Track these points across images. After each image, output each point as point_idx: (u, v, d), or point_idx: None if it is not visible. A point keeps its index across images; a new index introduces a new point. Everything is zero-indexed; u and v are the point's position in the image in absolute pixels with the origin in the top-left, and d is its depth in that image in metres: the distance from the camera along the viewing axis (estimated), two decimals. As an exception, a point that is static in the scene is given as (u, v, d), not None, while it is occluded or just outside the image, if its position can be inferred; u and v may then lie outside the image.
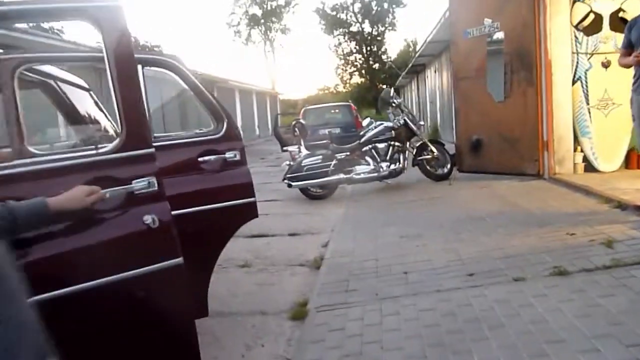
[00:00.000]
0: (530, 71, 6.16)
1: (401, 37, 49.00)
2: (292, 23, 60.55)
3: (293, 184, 7.18)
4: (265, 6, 41.68)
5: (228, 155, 2.25)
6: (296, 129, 7.80)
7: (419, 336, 2.60)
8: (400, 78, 27.40)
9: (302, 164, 7.24)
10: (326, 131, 12.06)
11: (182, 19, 63.66)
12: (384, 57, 41.25)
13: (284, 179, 7.30)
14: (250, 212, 2.47)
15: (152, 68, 2.29)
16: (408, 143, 7.61)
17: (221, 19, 72.71)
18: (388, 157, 7.38)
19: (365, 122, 8.29)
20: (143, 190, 1.59)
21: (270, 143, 16.38)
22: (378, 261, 4.00)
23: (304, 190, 7.34)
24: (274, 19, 42.21)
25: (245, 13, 42.40)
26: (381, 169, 7.31)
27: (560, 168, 6.21)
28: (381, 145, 7.39)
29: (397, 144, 7.41)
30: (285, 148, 8.90)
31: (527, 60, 6.17)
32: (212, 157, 2.22)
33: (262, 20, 42.38)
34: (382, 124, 7.68)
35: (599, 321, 2.45)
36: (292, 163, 7.59)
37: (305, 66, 70.21)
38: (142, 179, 1.59)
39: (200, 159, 2.21)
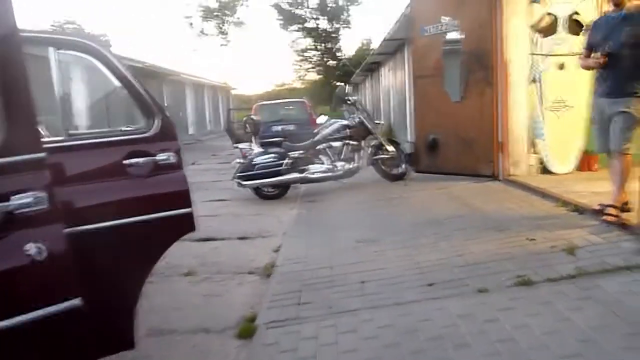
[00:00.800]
0: (487, 71, 6.08)
1: (356, 35, 49.12)
2: (248, 17, 59.51)
3: (244, 183, 6.83)
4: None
5: (160, 157, 1.89)
6: (248, 125, 7.44)
7: (378, 359, 2.35)
8: (354, 76, 27.37)
9: (254, 162, 6.90)
10: (280, 128, 11.76)
11: (134, 9, 61.22)
12: (338, 54, 41.23)
13: (234, 177, 6.94)
14: (185, 225, 2.10)
15: (70, 52, 1.91)
16: (363, 142, 7.41)
17: (174, 10, 70.46)
18: (343, 156, 7.16)
19: (320, 120, 8.02)
20: (26, 210, 1.22)
21: (223, 139, 15.83)
22: (333, 269, 3.74)
23: (255, 190, 7.00)
24: (227, 11, 41.30)
25: (199, 5, 41.28)
26: (336, 168, 7.07)
27: (515, 169, 6.17)
28: (336, 144, 7.15)
29: (352, 142, 7.19)
30: (236, 145, 8.53)
31: (484, 60, 6.09)
32: (140, 160, 1.85)
33: (217, 13, 41.41)
34: (337, 121, 7.44)
35: (568, 339, 2.29)
36: (243, 161, 7.24)
37: (262, 62, 69.25)
38: (25, 195, 1.23)
39: (125, 162, 1.83)
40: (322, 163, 7.15)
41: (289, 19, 40.71)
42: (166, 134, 1.95)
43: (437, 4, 6.61)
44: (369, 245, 4.23)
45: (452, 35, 6.35)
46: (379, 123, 7.84)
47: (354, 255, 4.02)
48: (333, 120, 7.60)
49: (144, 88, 1.93)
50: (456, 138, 6.52)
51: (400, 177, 7.30)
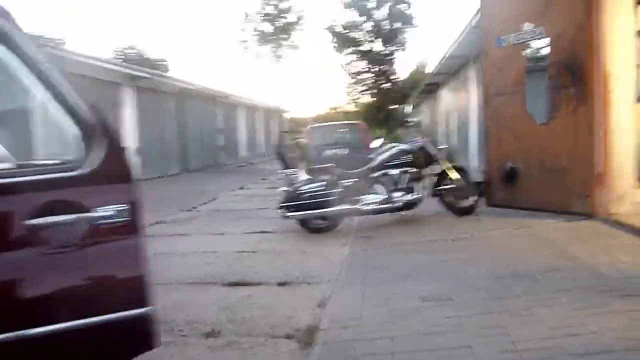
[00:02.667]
0: (582, 86, 5.02)
1: (411, 57, 48.15)
2: (302, 40, 59.97)
3: (289, 214, 6.03)
4: (276, 22, 41.07)
5: (99, 213, 1.08)
6: (297, 150, 6.68)
7: None
8: (410, 98, 26.42)
9: (301, 191, 6.10)
10: (332, 152, 10.96)
11: (191, 35, 63.02)
12: (393, 77, 40.38)
13: (279, 207, 6.16)
14: (138, 339, 1.23)
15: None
16: (425, 169, 6.46)
17: (229, 34, 72.23)
18: (402, 186, 6.22)
19: (376, 144, 7.15)
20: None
21: (275, 163, 15.36)
22: (395, 342, 2.81)
23: (302, 222, 6.19)
24: (283, 35, 41.56)
25: (256, 29, 41.77)
26: (394, 200, 6.15)
27: (617, 207, 5.02)
28: (395, 172, 6.23)
29: (413, 170, 6.26)
30: (284, 170, 7.77)
31: (578, 72, 5.03)
32: (61, 219, 1.03)
33: (272, 37, 41.77)
34: (395, 146, 6.55)
35: None
36: (289, 189, 6.45)
37: (316, 85, 69.36)
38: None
39: (33, 223, 1.01)
40: (379, 193, 6.25)
41: (343, 41, 40.40)
42: (113, 171, 1.14)
43: (518, 10, 5.64)
44: (439, 306, 3.27)
45: (537, 44, 5.34)
46: (443, 148, 6.86)
47: (422, 321, 3.07)
48: (391, 145, 6.71)
49: (76, 90, 1.14)
50: (541, 167, 5.45)
51: (469, 211, 6.28)
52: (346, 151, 10.99)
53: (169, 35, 63.27)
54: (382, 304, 3.47)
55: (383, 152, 6.52)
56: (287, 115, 35.30)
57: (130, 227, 1.16)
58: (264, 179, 14.43)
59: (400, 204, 6.14)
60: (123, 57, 29.32)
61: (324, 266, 4.70)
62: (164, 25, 54.74)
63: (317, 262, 4.85)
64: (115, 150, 1.18)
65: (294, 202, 6.04)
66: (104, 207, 1.12)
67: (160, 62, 32.27)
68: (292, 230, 6.32)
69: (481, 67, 6.52)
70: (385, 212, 6.24)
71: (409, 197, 6.17)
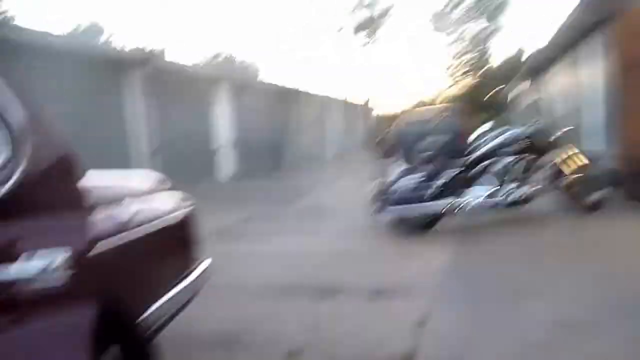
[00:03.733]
0: None
1: (514, 37, 44.44)
2: (397, 25, 58.08)
3: (383, 210, 5.42)
4: (372, 10, 40.21)
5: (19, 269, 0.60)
6: (390, 139, 6.03)
7: None
8: (521, 76, 24.28)
9: (395, 185, 5.46)
10: (429, 141, 10.10)
11: (280, 34, 63.35)
12: (497, 56, 37.82)
13: (373, 202, 5.57)
14: None
15: None
16: (545, 157, 5.49)
17: (318, 30, 72.12)
18: (516, 177, 5.34)
19: (482, 129, 6.27)
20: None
21: (369, 155, 14.64)
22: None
23: (397, 219, 5.55)
24: (376, 25, 40.59)
25: (352, 16, 41.20)
26: (506, 193, 5.29)
27: None
28: (507, 160, 5.37)
29: (529, 157, 5.35)
30: (379, 162, 7.15)
31: None
32: None
33: (369, 25, 40.99)
34: (507, 130, 5.65)
35: None
36: (382, 182, 5.82)
37: (411, 71, 67.11)
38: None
39: None
40: (486, 186, 5.42)
41: (441, 22, 38.57)
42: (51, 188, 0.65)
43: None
44: (582, 337, 2.51)
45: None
46: (565, 130, 5.78)
47: (556, 358, 2.34)
48: (501, 129, 5.82)
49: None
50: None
51: (597, 207, 5.24)
52: (447, 138, 10.05)
53: (257, 35, 64.45)
54: (498, 328, 2.77)
55: (492, 137, 5.66)
56: (379, 109, 34.51)
57: (65, 290, 0.67)
58: (353, 173, 13.92)
59: (514, 198, 5.27)
60: (216, 61, 30.40)
61: (422, 274, 4.04)
62: (251, 26, 55.86)
63: (414, 268, 4.21)
64: (49, 150, 0.71)
65: (387, 196, 5.43)
66: (32, 258, 0.64)
67: (252, 65, 33.04)
68: (388, 227, 5.71)
69: (611, 34, 5.37)
70: (495, 208, 5.41)
71: (524, 189, 5.27)
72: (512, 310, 3.01)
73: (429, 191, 5.30)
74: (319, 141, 21.87)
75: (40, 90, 7.83)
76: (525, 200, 5.31)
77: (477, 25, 38.19)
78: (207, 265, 2.50)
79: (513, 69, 29.05)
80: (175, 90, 11.97)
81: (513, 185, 5.30)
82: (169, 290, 2.15)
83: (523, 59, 28.10)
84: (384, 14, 40.86)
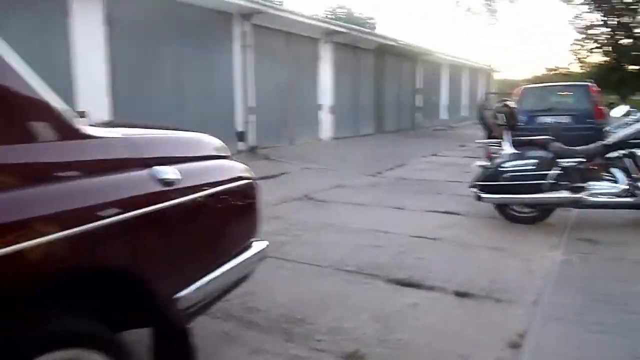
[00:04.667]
0: None
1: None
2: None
3: (485, 196, 4.80)
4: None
5: None
6: (501, 115, 5.30)
7: None
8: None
9: (503, 169, 4.79)
10: (549, 120, 8.96)
11: None
12: (637, 30, 33.02)
13: (473, 185, 4.96)
14: None
15: None
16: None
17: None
18: (655, 174, 4.42)
19: (617, 112, 5.29)
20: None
21: (478, 127, 13.64)
22: None
23: (500, 208, 4.91)
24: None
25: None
26: (637, 191, 4.41)
27: None
28: (643, 154, 4.45)
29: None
30: (486, 139, 6.39)
31: None
32: None
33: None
34: (651, 117, 4.68)
35: None
36: (488, 164, 5.16)
37: (534, 42, 61.26)
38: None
39: None
40: (615, 180, 4.57)
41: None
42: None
43: None
44: None
45: None
46: None
47: None
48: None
49: None
50: None
51: None
52: (569, 120, 8.85)
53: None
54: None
55: (627, 124, 4.73)
56: (497, 76, 31.94)
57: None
58: (462, 146, 13.00)
59: (648, 199, 4.38)
60: (332, 15, 29.85)
61: (523, 276, 3.46)
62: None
63: (514, 268, 3.63)
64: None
65: (493, 181, 4.78)
66: None
67: (369, 21, 32.09)
68: (486, 215, 5.10)
69: None
70: (622, 208, 4.56)
71: (664, 191, 4.35)
72: (635, 340, 2.39)
73: (541, 181, 4.57)
74: (430, 106, 20.74)
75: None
76: (663, 202, 4.40)
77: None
78: (262, 246, 2.20)
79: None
80: (280, 44, 11.81)
81: (649, 184, 4.40)
82: (215, 269, 1.88)
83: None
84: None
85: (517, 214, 4.86)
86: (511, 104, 5.46)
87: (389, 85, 17.18)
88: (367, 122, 15.89)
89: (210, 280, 1.85)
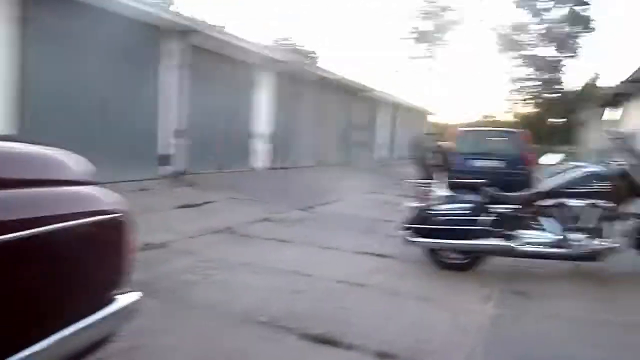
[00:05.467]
0: None
1: (586, 66, 41.51)
2: (461, 41, 56.23)
3: (415, 239, 4.50)
4: (435, 20, 38.88)
5: None
6: (436, 156, 5.08)
7: None
8: (582, 112, 22.67)
9: (435, 212, 4.53)
10: (482, 164, 8.99)
11: (345, 28, 62.47)
12: (562, 87, 35.55)
13: (404, 227, 4.65)
14: None
15: None
16: (627, 206, 4.43)
17: (384, 32, 70.65)
18: (587, 225, 4.29)
19: (548, 160, 5.23)
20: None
21: (413, 166, 13.68)
22: None
23: (431, 252, 4.61)
24: (441, 34, 39.17)
25: (415, 28, 40.00)
26: (571, 243, 4.26)
27: None
28: (578, 203, 4.32)
29: (607, 204, 4.28)
30: (419, 180, 6.17)
31: None
32: None
33: (430, 36, 39.68)
34: (582, 167, 4.61)
35: None
36: (421, 205, 4.89)
37: (469, 89, 64.53)
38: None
39: None
40: (547, 230, 4.41)
41: (508, 44, 36.73)
42: None
43: None
44: None
45: None
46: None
47: None
48: (574, 164, 4.78)
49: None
50: None
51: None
52: (502, 164, 8.92)
53: (325, 29, 64.07)
54: None
55: (561, 173, 4.63)
56: (433, 118, 32.97)
57: None
58: (397, 184, 12.92)
59: (581, 250, 4.23)
60: (277, 46, 29.83)
61: (452, 333, 3.11)
62: (322, 18, 55.50)
63: (443, 324, 3.27)
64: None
65: (424, 224, 4.49)
66: None
67: (311, 55, 32.34)
68: (418, 259, 4.77)
69: None
70: (554, 258, 4.40)
71: (596, 242, 4.22)
72: None
73: (475, 226, 4.33)
74: (369, 142, 20.80)
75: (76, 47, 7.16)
76: (595, 255, 4.26)
77: (545, 52, 36.22)
78: (131, 300, 1.69)
79: (579, 101, 27.26)
80: (217, 68, 11.31)
81: (582, 235, 4.26)
82: (61, 328, 1.36)
83: (593, 89, 26.27)
84: (453, 23, 39.41)
85: (447, 261, 4.57)
86: (447, 145, 5.28)
87: (330, 119, 17.07)
88: (307, 154, 15.58)
89: (35, 353, 1.32)
